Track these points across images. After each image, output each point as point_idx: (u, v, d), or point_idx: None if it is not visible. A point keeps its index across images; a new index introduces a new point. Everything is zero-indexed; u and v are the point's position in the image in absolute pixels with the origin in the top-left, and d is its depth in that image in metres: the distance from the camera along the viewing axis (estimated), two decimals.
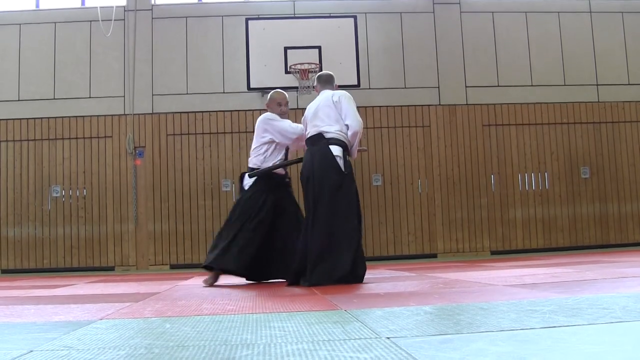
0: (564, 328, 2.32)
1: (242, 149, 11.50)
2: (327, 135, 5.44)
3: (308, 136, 5.64)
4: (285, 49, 11.08)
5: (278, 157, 6.06)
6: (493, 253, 11.66)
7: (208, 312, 3.47)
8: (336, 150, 5.37)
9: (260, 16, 11.68)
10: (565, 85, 12.25)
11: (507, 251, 11.66)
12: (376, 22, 12.14)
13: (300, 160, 5.83)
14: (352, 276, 5.19)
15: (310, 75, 10.87)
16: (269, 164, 6.01)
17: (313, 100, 5.93)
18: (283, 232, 5.95)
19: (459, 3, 12.29)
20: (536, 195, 11.97)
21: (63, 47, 11.80)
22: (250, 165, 6.13)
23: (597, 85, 12.28)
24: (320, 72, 6.39)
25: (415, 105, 11.96)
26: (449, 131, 11.93)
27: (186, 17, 11.98)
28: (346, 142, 5.44)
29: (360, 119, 5.50)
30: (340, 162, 5.34)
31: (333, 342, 2.22)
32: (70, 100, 11.66)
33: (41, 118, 11.58)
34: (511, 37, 12.31)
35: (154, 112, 11.68)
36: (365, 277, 6.10)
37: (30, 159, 11.53)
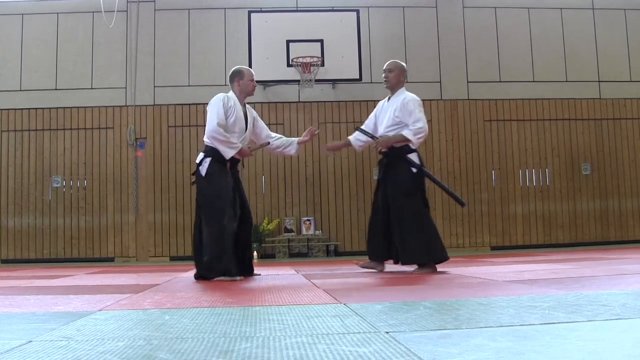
0: (563, 324, 2.32)
1: None
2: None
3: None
4: (288, 42, 11.08)
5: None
6: (493, 248, 11.66)
7: (207, 304, 3.47)
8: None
9: (262, 9, 11.66)
10: (567, 81, 12.23)
11: (507, 247, 11.67)
12: (379, 16, 12.11)
13: None
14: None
15: (312, 68, 10.87)
16: None
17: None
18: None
19: None
20: (537, 191, 11.97)
21: (65, 38, 11.79)
22: None
23: (598, 81, 12.27)
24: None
25: None
26: (450, 126, 11.92)
27: (189, 9, 11.96)
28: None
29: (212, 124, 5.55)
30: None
31: (332, 335, 2.22)
32: (71, 91, 11.65)
33: (42, 108, 11.58)
34: (513, 33, 12.29)
35: (155, 103, 11.67)
36: (364, 271, 6.12)
37: (31, 149, 11.53)
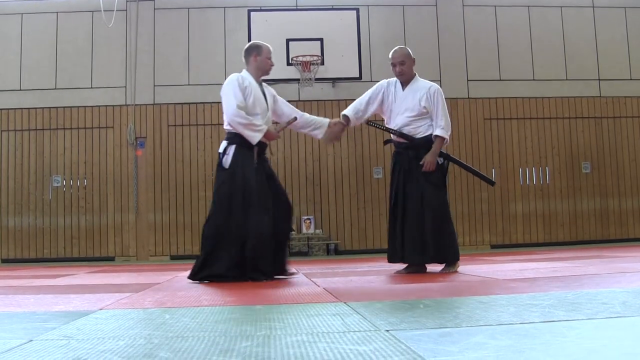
0: (563, 322, 2.32)
1: None
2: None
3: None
4: (287, 40, 11.06)
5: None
6: (493, 247, 11.66)
7: (208, 303, 3.47)
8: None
9: (262, 8, 11.65)
10: (567, 79, 12.22)
11: (507, 245, 11.67)
12: (378, 14, 12.10)
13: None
14: None
15: (312, 67, 10.86)
16: None
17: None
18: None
19: None
20: (537, 189, 11.97)
21: (65, 37, 11.78)
22: None
23: (599, 80, 12.26)
24: None
25: None
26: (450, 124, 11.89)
27: (188, 8, 11.95)
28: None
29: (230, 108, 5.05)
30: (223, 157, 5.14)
31: (332, 334, 2.23)
32: (71, 91, 11.65)
33: (42, 108, 11.58)
34: (513, 31, 12.28)
35: (155, 102, 11.67)
36: (365, 269, 6.12)
37: (31, 149, 11.53)
